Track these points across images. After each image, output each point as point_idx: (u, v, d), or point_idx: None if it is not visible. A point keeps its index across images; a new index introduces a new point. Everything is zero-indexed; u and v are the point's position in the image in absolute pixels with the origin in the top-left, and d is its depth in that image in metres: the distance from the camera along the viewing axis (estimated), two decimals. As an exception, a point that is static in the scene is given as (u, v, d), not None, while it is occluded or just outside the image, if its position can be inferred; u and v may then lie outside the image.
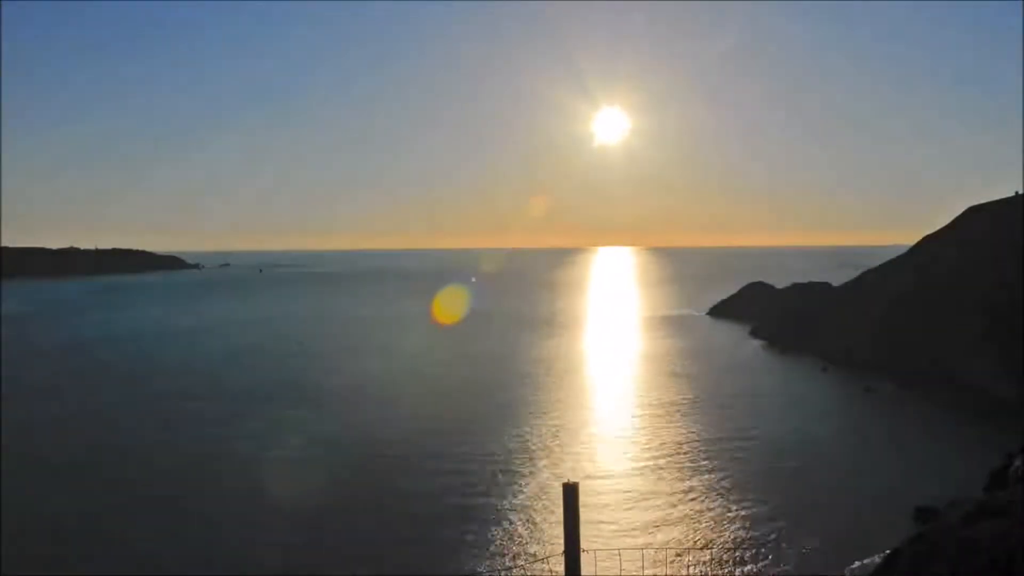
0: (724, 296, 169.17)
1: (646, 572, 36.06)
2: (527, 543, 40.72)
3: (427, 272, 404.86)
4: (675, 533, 42.35)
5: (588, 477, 51.36)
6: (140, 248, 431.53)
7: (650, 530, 42.84)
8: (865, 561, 35.08)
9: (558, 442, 61.77)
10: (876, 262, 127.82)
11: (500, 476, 52.83)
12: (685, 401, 77.77)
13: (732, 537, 41.79)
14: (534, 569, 36.36)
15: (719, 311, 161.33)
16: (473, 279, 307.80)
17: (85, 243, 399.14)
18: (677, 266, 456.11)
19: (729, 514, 45.30)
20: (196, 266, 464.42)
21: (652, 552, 37.55)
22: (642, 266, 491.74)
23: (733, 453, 58.06)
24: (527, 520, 44.13)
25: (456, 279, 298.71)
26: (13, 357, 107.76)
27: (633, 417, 71.08)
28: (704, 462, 56.03)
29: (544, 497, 47.75)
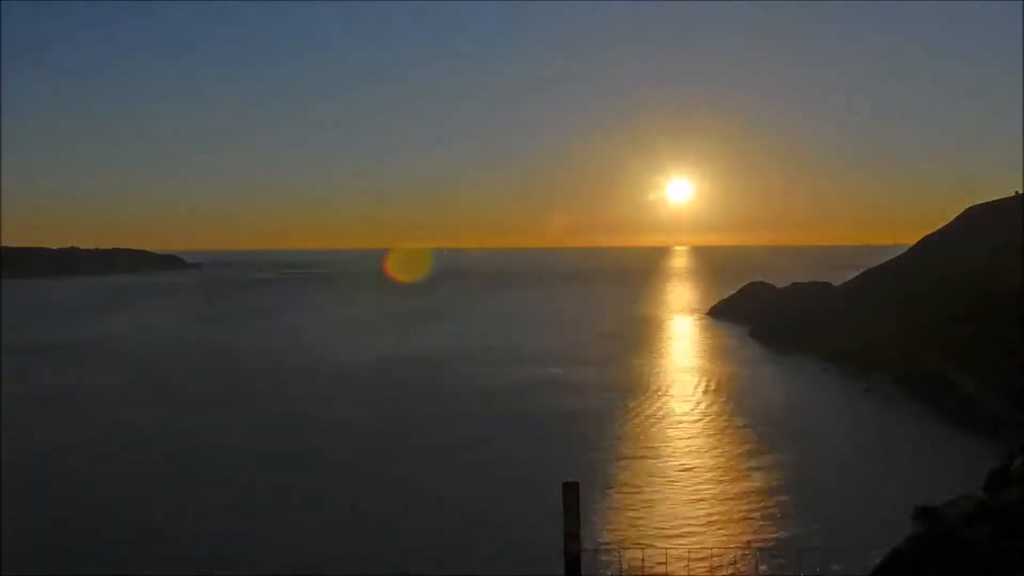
0: (724, 296, 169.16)
1: (646, 572, 36.05)
2: (526, 543, 40.66)
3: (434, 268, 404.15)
4: (674, 533, 42.41)
5: (588, 476, 51.35)
6: (141, 248, 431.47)
7: (650, 530, 42.90)
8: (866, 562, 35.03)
9: (556, 441, 61.74)
10: (876, 262, 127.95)
11: (497, 474, 52.83)
12: (683, 401, 77.81)
13: (731, 537, 41.86)
14: (534, 569, 36.33)
15: (719, 311, 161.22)
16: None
17: (86, 243, 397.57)
18: (677, 264, 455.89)
19: (728, 514, 45.37)
20: (196, 266, 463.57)
21: (652, 552, 37.51)
22: (648, 264, 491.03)
23: (731, 454, 58.15)
24: (526, 519, 44.07)
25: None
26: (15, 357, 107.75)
27: (631, 417, 71.08)
28: (702, 462, 56.11)
29: (544, 495, 47.67)
